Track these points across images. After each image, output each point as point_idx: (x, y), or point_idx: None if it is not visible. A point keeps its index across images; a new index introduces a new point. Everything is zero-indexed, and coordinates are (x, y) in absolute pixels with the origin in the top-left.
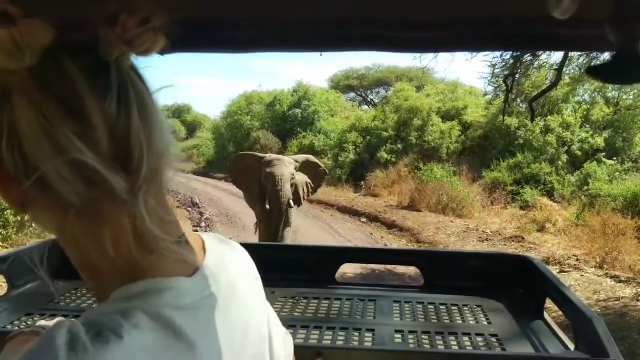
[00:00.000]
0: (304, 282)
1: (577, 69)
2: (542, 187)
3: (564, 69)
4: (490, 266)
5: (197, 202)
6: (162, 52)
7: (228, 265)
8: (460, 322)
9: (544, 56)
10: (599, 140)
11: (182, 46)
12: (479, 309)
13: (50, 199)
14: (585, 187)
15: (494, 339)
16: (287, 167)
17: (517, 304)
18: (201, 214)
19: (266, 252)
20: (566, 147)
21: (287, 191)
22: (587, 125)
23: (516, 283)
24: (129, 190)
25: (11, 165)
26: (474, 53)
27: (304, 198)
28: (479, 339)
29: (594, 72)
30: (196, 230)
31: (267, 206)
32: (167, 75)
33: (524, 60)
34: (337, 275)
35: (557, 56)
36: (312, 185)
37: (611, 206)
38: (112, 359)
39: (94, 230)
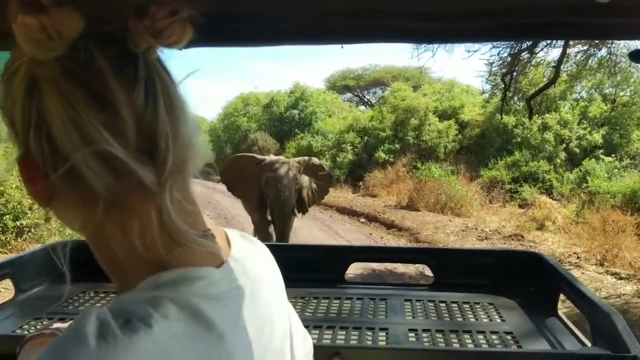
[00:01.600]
0: (313, 282)
1: (574, 66)
2: (540, 185)
3: (562, 66)
4: (500, 263)
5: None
6: (187, 45)
7: (253, 259)
8: (474, 320)
9: (541, 53)
10: (597, 137)
11: (204, 40)
12: (492, 306)
13: (77, 191)
14: (585, 185)
15: (509, 337)
16: (291, 171)
17: (530, 301)
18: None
19: (274, 251)
20: (564, 145)
21: (291, 198)
22: (585, 122)
23: (528, 280)
24: (156, 183)
25: (39, 157)
26: (489, 43)
27: (309, 205)
28: (494, 337)
29: (636, 56)
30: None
31: (269, 216)
32: None
33: (521, 58)
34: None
35: (554, 53)
36: (318, 190)
37: (610, 203)
38: (142, 348)
39: (121, 224)
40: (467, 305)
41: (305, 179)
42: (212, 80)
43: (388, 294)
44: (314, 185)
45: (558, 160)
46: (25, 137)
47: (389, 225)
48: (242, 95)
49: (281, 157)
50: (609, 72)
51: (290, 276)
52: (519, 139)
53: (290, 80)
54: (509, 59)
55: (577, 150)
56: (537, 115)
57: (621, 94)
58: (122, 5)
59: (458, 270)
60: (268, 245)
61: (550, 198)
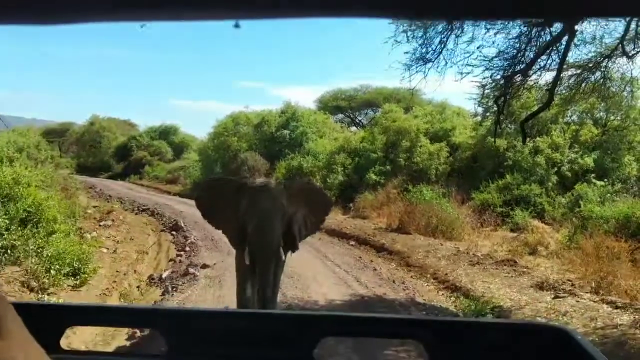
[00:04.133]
0: None
1: (568, 89)
2: (532, 208)
3: (556, 89)
4: (515, 340)
5: (182, 225)
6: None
7: None
8: None
9: (534, 77)
10: (589, 161)
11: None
12: None
13: None
14: (577, 209)
15: None
16: (276, 199)
17: None
18: (186, 237)
19: (220, 322)
20: (556, 168)
21: (274, 235)
22: (576, 146)
23: None
24: None
25: None
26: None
27: (301, 239)
28: None
29: None
30: (180, 255)
31: (247, 257)
32: (155, 98)
33: (514, 81)
34: (323, 302)
35: (547, 77)
36: (313, 220)
37: (604, 228)
38: None
39: None
40: None
41: (295, 209)
42: (203, 100)
43: None
44: (307, 213)
45: (549, 184)
46: None
47: (379, 248)
48: (233, 115)
49: (265, 182)
50: (602, 96)
51: (239, 353)
52: (511, 162)
53: (281, 100)
54: (502, 81)
55: (568, 174)
56: (528, 138)
57: (612, 117)
58: None
59: (461, 348)
60: (214, 313)
61: (541, 222)
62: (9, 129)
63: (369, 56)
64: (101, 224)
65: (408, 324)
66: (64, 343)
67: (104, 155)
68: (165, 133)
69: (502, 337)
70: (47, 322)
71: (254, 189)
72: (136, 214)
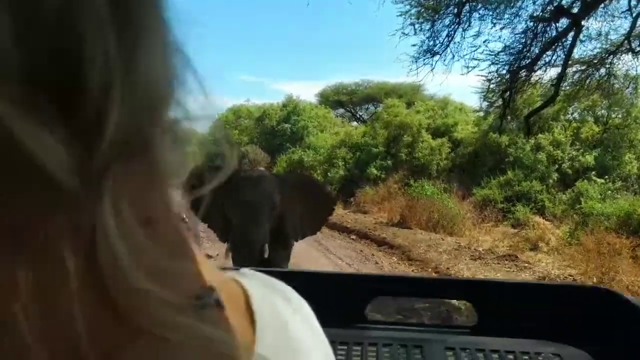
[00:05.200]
0: (325, 321)
1: (572, 85)
2: (533, 205)
3: (561, 84)
4: (562, 302)
5: (184, 217)
6: None
7: (296, 343)
8: None
9: (539, 72)
10: (589, 159)
11: None
12: (557, 358)
13: None
14: (578, 206)
15: None
16: (264, 191)
17: (607, 351)
18: (188, 229)
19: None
20: (557, 165)
21: (260, 230)
22: (577, 144)
23: (601, 323)
24: (82, 177)
25: None
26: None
27: (297, 239)
28: None
29: None
30: None
31: (227, 254)
32: None
33: (520, 76)
34: None
35: (552, 73)
36: (312, 218)
37: (604, 225)
38: None
39: None
40: (527, 357)
41: (290, 204)
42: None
43: (423, 338)
44: (306, 210)
45: (551, 181)
46: None
47: (380, 243)
48: (234, 108)
49: (257, 172)
50: (605, 92)
51: None
52: (512, 159)
53: (282, 94)
54: (507, 76)
55: (569, 171)
56: (530, 135)
57: (613, 115)
58: None
59: (509, 309)
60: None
61: (542, 218)
62: None
63: (371, 51)
64: None
65: (458, 285)
66: None
67: None
68: None
69: (549, 299)
70: None
71: (241, 179)
72: None
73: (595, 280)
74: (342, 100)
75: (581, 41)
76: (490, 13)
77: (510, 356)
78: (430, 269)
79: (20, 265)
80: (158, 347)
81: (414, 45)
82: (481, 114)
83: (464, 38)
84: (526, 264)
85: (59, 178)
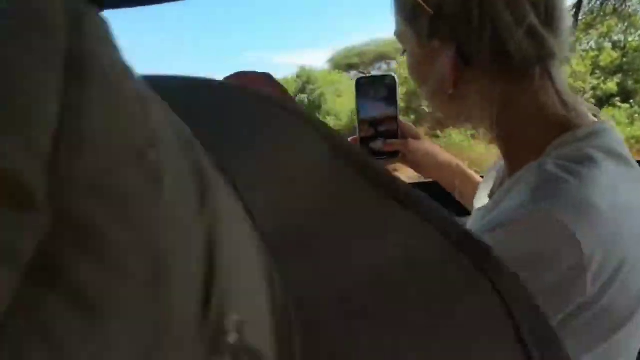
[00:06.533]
0: None
1: (589, 13)
2: None
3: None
4: None
5: None
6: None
7: None
8: None
9: None
10: (612, 86)
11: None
12: None
13: (490, 71)
14: None
15: None
16: None
17: None
18: None
19: None
20: (580, 96)
21: None
22: (598, 72)
23: None
24: (556, 50)
25: (465, 39)
26: None
27: None
28: None
29: None
30: None
31: None
32: (163, 68)
33: None
34: None
35: (569, 1)
36: None
37: (636, 148)
38: (600, 182)
39: (529, 94)
40: None
41: None
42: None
43: None
44: None
45: None
46: (453, 24)
47: None
48: None
49: None
50: (622, 16)
51: None
52: None
53: (294, 67)
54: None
55: (592, 100)
56: None
57: (630, 39)
58: None
59: None
60: None
61: None
62: None
63: (378, 8)
64: None
65: None
66: None
67: None
68: None
69: None
70: None
71: None
72: None
73: None
74: (353, 62)
75: None
76: None
77: None
78: None
79: (535, 87)
80: (578, 113)
81: None
82: None
83: None
84: None
85: (554, 52)
